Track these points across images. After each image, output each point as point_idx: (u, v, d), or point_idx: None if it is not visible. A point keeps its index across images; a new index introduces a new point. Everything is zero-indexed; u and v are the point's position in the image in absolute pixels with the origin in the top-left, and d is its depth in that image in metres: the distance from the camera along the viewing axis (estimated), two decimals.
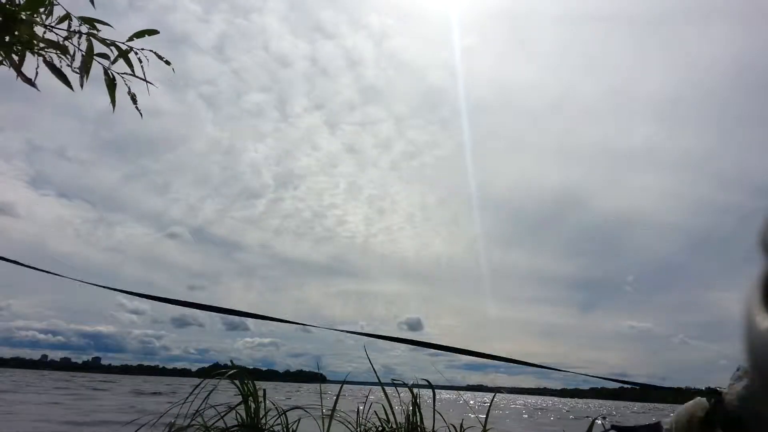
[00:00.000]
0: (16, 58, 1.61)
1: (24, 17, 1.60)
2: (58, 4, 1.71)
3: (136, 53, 1.77)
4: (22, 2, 1.61)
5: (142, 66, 1.78)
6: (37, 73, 1.66)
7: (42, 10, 1.67)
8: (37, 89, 1.66)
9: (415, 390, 2.64)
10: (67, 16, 1.72)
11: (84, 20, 1.74)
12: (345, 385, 2.69)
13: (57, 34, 1.71)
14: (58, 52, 1.69)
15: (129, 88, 1.80)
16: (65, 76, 1.70)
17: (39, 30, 1.67)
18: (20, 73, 1.64)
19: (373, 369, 2.54)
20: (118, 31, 1.81)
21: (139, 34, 1.78)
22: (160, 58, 1.81)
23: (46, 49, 1.67)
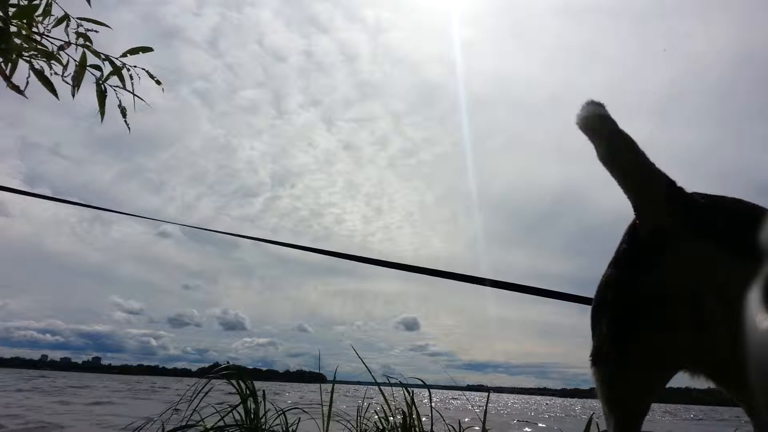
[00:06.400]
0: (5, 65, 1.63)
1: (14, 26, 1.61)
2: (56, 2, 1.72)
3: (128, 69, 1.81)
4: (13, 11, 1.61)
5: (132, 83, 1.83)
6: (28, 80, 1.68)
7: (38, 13, 1.67)
8: (25, 97, 1.70)
9: (414, 390, 2.64)
10: (66, 17, 1.72)
11: (83, 21, 1.75)
12: (346, 385, 2.69)
13: (52, 42, 1.73)
14: (51, 61, 1.72)
15: (120, 101, 1.83)
16: (52, 84, 1.73)
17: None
18: (8, 82, 1.66)
19: (367, 368, 2.56)
20: (113, 28, 1.84)
21: (133, 51, 1.81)
22: (152, 77, 1.85)
23: (36, 57, 1.69)
